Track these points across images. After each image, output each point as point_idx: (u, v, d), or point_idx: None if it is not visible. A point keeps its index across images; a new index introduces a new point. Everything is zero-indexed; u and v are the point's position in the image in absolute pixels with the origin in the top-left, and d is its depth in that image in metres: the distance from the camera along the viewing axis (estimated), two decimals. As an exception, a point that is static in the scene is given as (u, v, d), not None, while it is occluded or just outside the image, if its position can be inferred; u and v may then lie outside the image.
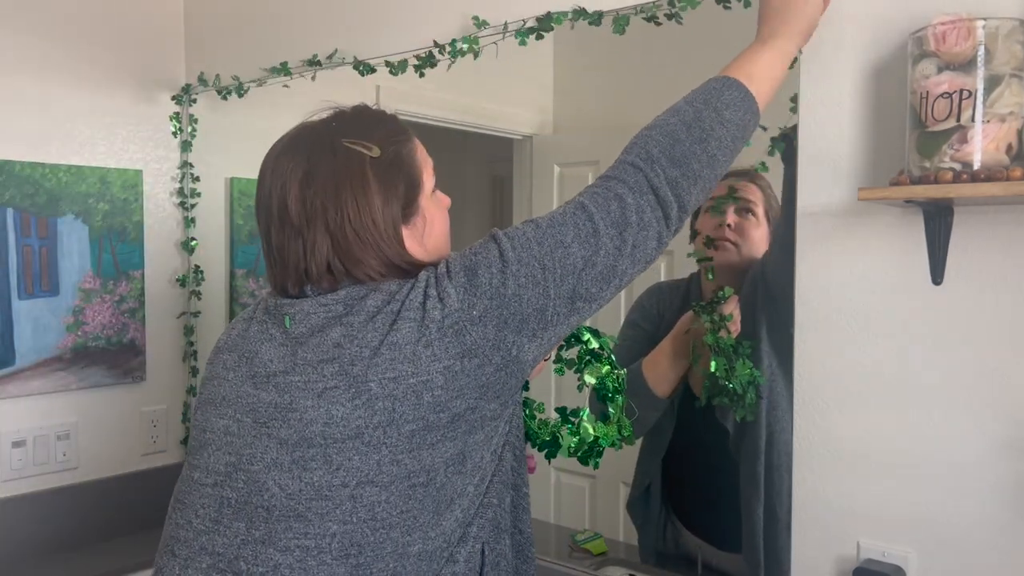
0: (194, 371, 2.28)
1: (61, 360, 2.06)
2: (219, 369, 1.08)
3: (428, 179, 1.07)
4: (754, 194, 1.47)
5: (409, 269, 1.02)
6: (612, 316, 1.73)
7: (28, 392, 2.01)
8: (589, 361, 1.27)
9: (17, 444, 2.00)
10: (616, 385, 1.27)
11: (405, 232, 1.03)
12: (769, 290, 1.43)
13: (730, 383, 1.40)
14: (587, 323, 1.22)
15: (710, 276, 1.52)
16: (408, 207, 1.03)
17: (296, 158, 1.02)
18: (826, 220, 1.28)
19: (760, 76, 1.13)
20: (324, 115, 1.07)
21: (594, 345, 1.26)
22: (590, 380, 1.26)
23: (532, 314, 0.97)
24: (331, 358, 0.96)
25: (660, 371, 1.57)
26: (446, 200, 1.13)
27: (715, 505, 1.52)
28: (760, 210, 1.47)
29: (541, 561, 1.57)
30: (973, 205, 1.16)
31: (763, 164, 1.35)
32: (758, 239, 1.47)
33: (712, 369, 1.42)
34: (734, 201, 1.46)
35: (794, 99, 1.29)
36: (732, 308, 1.45)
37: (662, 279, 1.73)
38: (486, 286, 0.96)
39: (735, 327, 1.44)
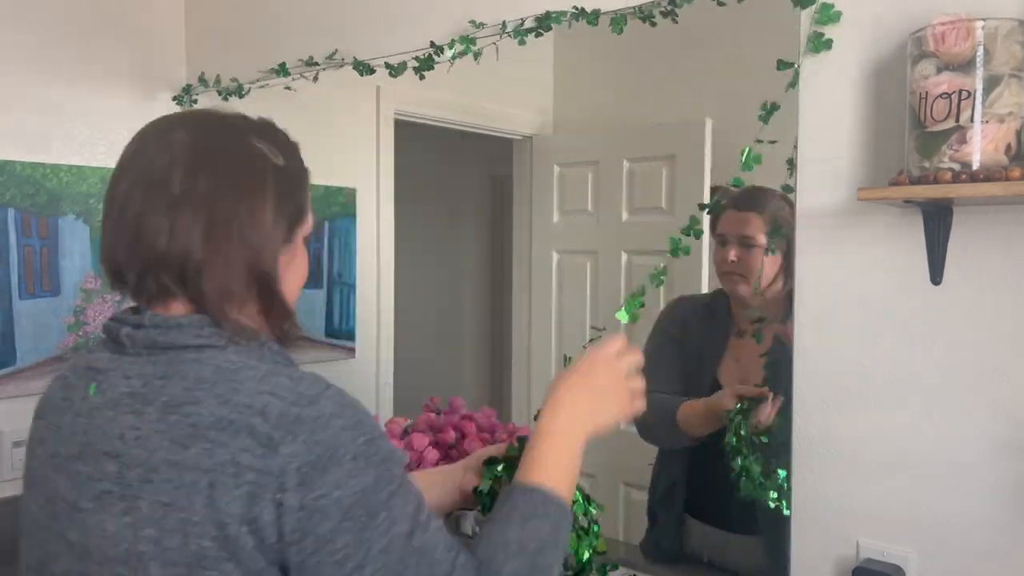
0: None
1: (62, 360, 2.06)
2: (33, 441, 0.94)
3: (310, 217, 0.97)
4: (753, 226, 1.51)
5: (267, 297, 0.89)
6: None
7: (29, 392, 2.01)
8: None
9: (18, 444, 2.00)
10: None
11: (280, 258, 0.91)
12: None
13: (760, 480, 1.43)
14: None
15: (758, 340, 1.53)
16: (289, 231, 0.92)
17: (195, 135, 0.89)
18: (826, 220, 1.28)
19: (571, 481, 0.98)
20: (228, 111, 0.96)
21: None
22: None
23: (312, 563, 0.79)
24: (112, 452, 0.83)
25: (694, 424, 1.59)
26: (306, 260, 0.99)
27: (730, 494, 1.52)
28: (761, 237, 1.51)
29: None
30: (972, 205, 1.16)
31: (788, 186, 1.32)
32: (768, 266, 1.51)
33: (741, 468, 1.44)
34: (742, 243, 1.52)
35: (802, 125, 1.29)
36: (767, 416, 1.44)
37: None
38: (314, 498, 0.78)
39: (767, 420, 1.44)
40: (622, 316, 1.42)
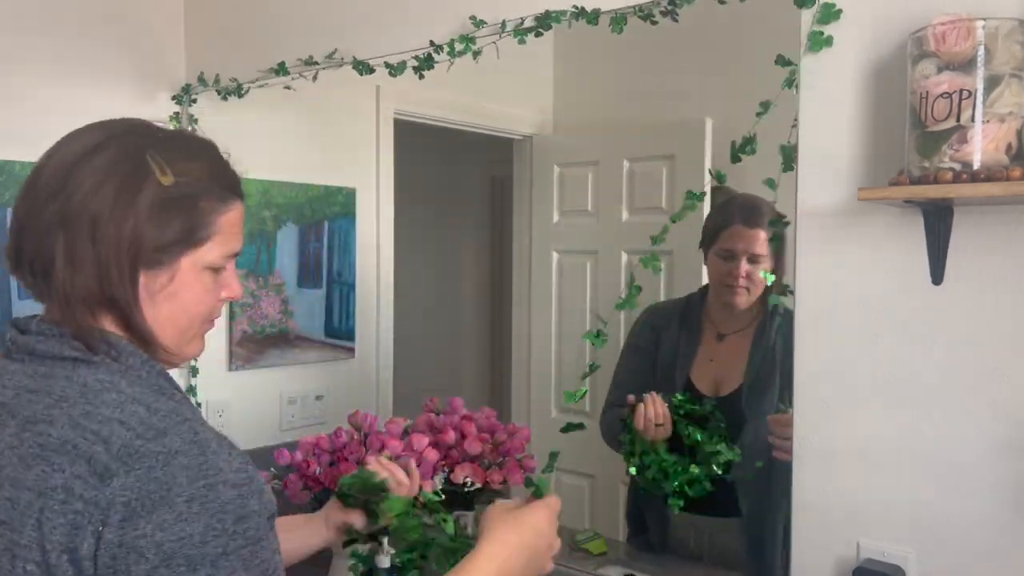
0: (194, 371, 2.28)
1: (61, 360, 2.06)
2: None
3: (213, 248, 0.88)
4: (761, 241, 1.60)
5: (121, 319, 0.84)
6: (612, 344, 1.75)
7: (28, 392, 2.02)
8: None
9: (17, 444, 2.00)
10: None
11: (142, 273, 0.85)
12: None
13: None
14: None
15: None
16: (162, 252, 0.85)
17: (97, 135, 0.90)
18: (826, 220, 1.28)
19: None
20: (169, 125, 0.95)
21: None
22: None
23: None
24: None
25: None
26: (229, 291, 0.92)
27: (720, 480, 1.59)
28: (764, 250, 1.60)
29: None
30: (973, 205, 1.15)
31: (771, 180, 1.33)
32: (764, 272, 1.61)
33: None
34: (750, 258, 1.60)
35: (803, 125, 1.29)
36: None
37: (661, 295, 1.77)
38: (133, 537, 0.73)
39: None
40: (589, 338, 1.55)
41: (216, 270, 0.89)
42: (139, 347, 0.85)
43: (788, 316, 1.47)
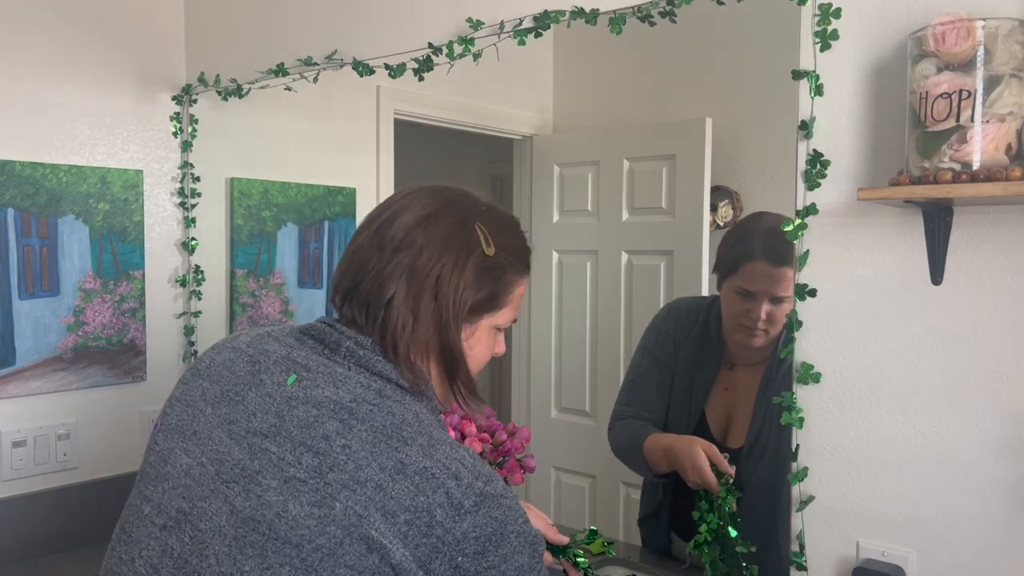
0: (194, 371, 2.28)
1: (61, 360, 2.06)
2: (196, 397, 1.00)
3: (505, 314, 1.05)
4: (787, 281, 1.34)
5: (449, 361, 1.00)
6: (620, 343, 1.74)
7: (28, 392, 2.02)
8: None
9: (18, 444, 2.00)
10: None
11: (463, 328, 1.01)
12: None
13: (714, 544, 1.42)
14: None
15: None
16: (474, 313, 1.01)
17: (433, 202, 1.02)
18: (826, 220, 1.28)
19: None
20: (483, 196, 1.07)
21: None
22: None
23: None
24: (314, 448, 0.90)
25: (655, 459, 1.54)
26: (499, 348, 1.09)
27: None
28: (790, 289, 1.33)
29: (541, 561, 1.57)
30: (973, 205, 1.16)
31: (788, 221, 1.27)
32: (787, 312, 1.35)
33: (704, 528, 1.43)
34: (772, 300, 1.43)
35: (804, 125, 1.29)
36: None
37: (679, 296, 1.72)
38: (486, 567, 0.88)
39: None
40: None
41: (498, 331, 1.06)
42: (449, 398, 1.03)
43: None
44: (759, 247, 1.48)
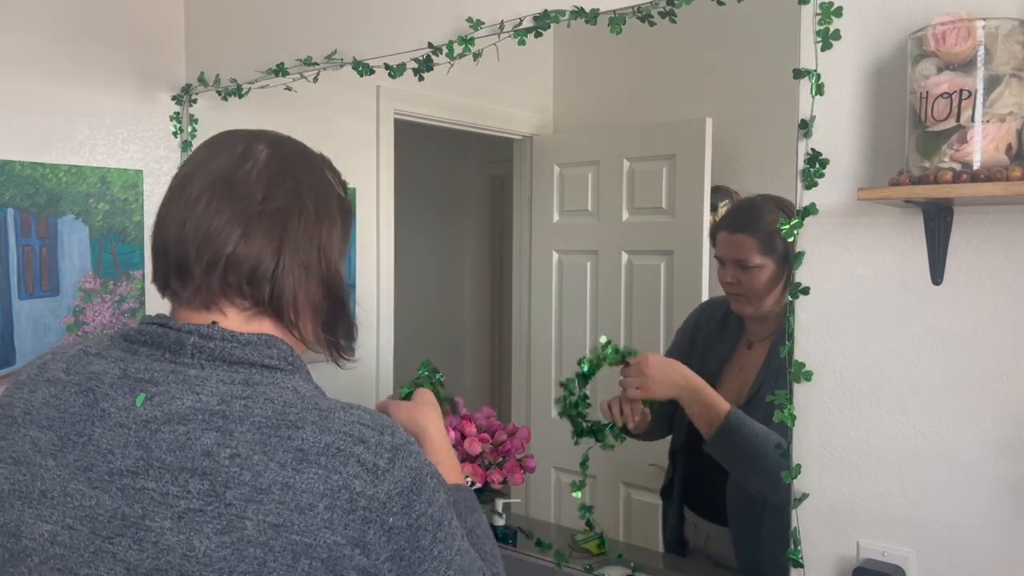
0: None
1: (61, 360, 2.06)
2: (26, 451, 0.86)
3: (345, 253, 0.99)
4: (744, 247, 1.49)
5: (336, 313, 0.94)
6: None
7: (28, 392, 2.02)
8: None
9: (17, 444, 2.00)
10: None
11: None
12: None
13: None
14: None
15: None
16: (341, 258, 0.96)
17: (277, 153, 0.92)
18: (826, 220, 1.28)
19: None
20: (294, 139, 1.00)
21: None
22: None
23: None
24: (198, 469, 0.79)
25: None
26: None
27: (720, 489, 1.57)
28: (756, 258, 1.48)
29: (541, 561, 1.57)
30: (973, 205, 1.16)
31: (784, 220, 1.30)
32: (766, 281, 1.48)
33: None
34: (738, 265, 1.51)
35: (803, 125, 1.29)
36: None
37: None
38: (415, 517, 0.84)
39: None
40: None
41: None
42: (326, 348, 0.97)
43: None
44: (724, 218, 1.60)
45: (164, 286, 0.92)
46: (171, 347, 0.87)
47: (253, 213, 0.87)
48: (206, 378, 0.84)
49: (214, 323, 0.88)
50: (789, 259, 1.38)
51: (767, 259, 1.47)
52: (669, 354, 1.71)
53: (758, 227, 1.48)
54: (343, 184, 0.98)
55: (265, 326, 0.91)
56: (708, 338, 1.64)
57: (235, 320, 0.89)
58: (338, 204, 0.95)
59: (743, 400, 1.54)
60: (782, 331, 1.44)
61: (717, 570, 1.61)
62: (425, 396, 1.23)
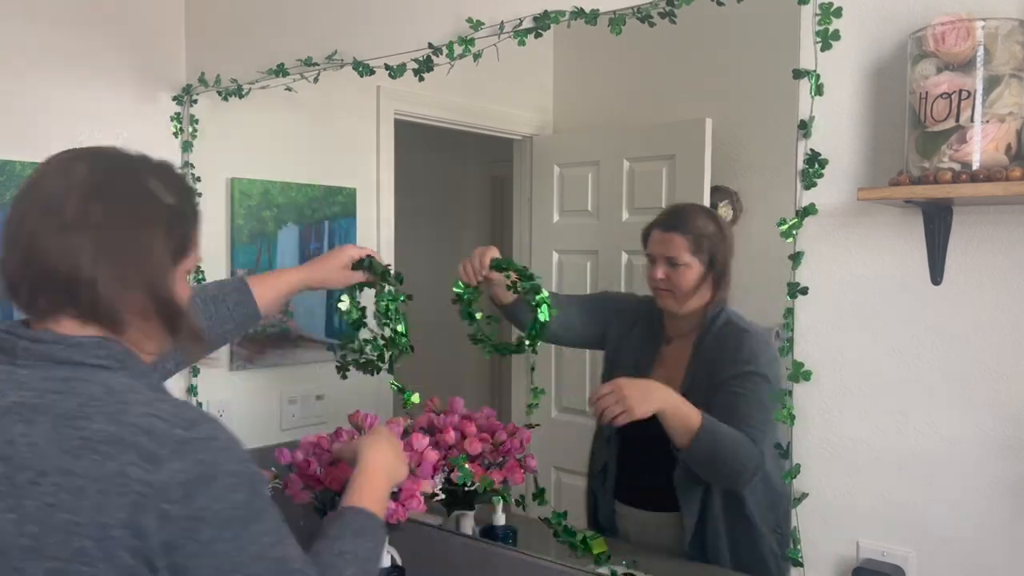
0: (195, 371, 2.28)
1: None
2: None
3: (194, 257, 1.05)
4: (676, 246, 1.61)
5: (170, 317, 0.99)
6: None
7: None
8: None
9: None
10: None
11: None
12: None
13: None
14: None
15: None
16: (173, 262, 1.00)
17: (94, 169, 0.98)
18: (825, 220, 1.28)
19: (383, 508, 1.20)
20: (136, 152, 1.03)
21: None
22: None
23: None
24: (3, 456, 0.89)
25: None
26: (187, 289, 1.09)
27: (653, 476, 1.64)
28: (686, 256, 1.60)
29: (541, 561, 1.57)
30: (972, 205, 1.16)
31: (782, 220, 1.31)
32: (692, 280, 1.61)
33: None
34: (668, 262, 1.62)
35: (803, 125, 1.29)
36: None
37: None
38: (197, 509, 0.87)
39: None
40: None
41: (188, 273, 1.05)
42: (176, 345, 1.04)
43: (727, 328, 1.60)
44: (657, 218, 1.69)
45: (10, 300, 0.99)
46: (9, 351, 0.95)
47: (69, 229, 0.93)
48: (32, 377, 0.93)
49: (47, 329, 0.96)
50: (714, 263, 1.58)
51: (695, 259, 1.61)
52: (583, 301, 1.83)
53: (689, 228, 1.61)
54: (181, 190, 1.03)
55: (103, 330, 0.97)
56: (626, 336, 1.75)
57: (70, 326, 0.96)
58: (162, 212, 0.99)
59: (678, 391, 1.60)
60: (702, 328, 1.61)
61: (671, 559, 1.63)
62: (380, 428, 1.34)
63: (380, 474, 1.22)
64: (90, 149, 1.02)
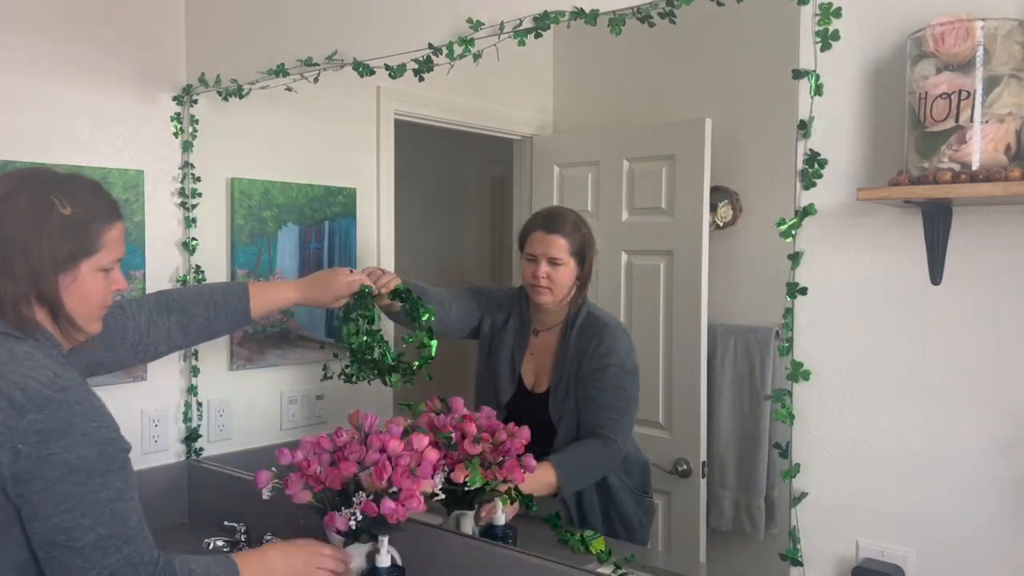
0: (195, 371, 2.28)
1: (62, 360, 2.07)
2: None
3: (104, 255, 1.27)
4: (558, 247, 1.79)
5: (51, 310, 1.23)
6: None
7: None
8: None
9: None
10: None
11: (61, 278, 1.23)
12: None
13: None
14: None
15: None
16: (69, 262, 1.23)
17: (10, 186, 1.23)
18: (825, 220, 1.28)
19: None
20: (58, 170, 1.30)
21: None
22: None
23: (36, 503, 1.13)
24: None
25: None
26: (119, 284, 1.33)
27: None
28: (565, 256, 1.79)
29: (541, 561, 1.57)
30: (972, 205, 1.16)
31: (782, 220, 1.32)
32: (569, 278, 1.80)
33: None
34: (550, 261, 1.79)
35: (802, 125, 1.29)
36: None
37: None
38: (47, 453, 1.11)
39: None
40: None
41: (107, 271, 1.29)
42: (58, 331, 1.25)
43: (589, 321, 1.78)
44: (539, 219, 1.85)
45: None
46: None
47: None
48: None
49: None
50: (584, 262, 1.79)
51: (572, 259, 1.80)
52: (458, 295, 1.94)
53: (569, 231, 1.80)
54: (83, 200, 1.26)
55: (37, 313, 1.24)
56: (499, 329, 1.91)
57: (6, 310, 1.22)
58: (55, 221, 1.22)
59: (550, 385, 1.82)
60: (566, 321, 1.81)
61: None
62: (304, 548, 1.48)
63: (273, 570, 1.41)
64: (22, 170, 1.30)
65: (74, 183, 1.28)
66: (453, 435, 1.63)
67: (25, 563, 1.16)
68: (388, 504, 1.45)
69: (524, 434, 1.67)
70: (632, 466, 1.78)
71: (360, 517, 1.47)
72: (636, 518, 1.77)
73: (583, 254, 1.79)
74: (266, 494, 1.56)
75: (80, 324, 1.26)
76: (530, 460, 1.65)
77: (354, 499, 1.48)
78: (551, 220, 1.82)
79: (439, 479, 1.56)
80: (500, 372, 1.89)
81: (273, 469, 1.57)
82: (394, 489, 1.47)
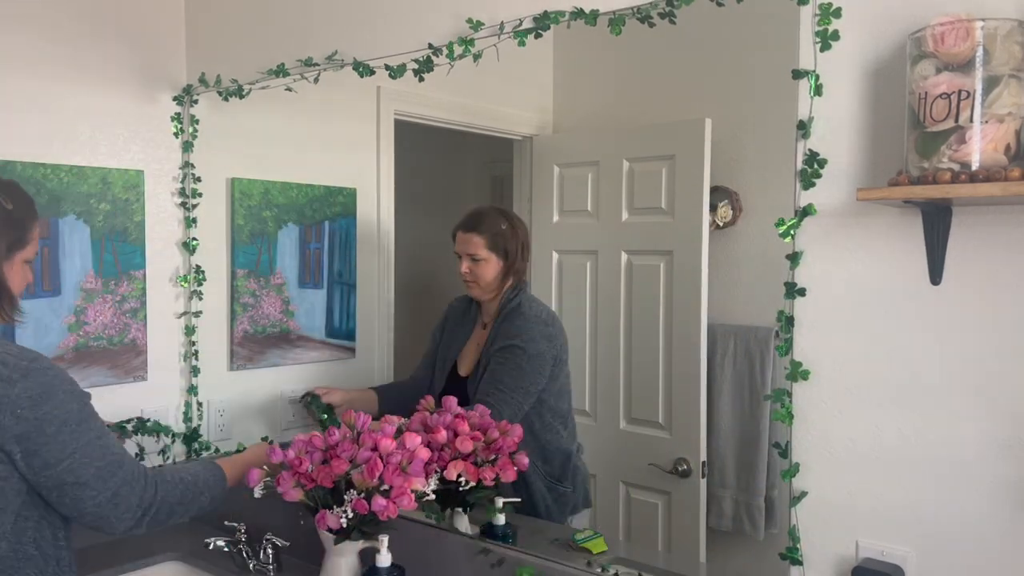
0: (195, 371, 2.28)
1: (63, 360, 2.07)
2: None
3: (30, 249, 1.46)
4: (475, 244, 1.91)
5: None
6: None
7: (30, 392, 2.02)
8: None
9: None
10: None
11: (5, 266, 1.42)
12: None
13: None
14: None
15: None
16: (10, 252, 1.42)
17: None
18: (825, 220, 1.28)
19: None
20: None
21: None
22: None
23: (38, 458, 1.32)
24: None
25: None
26: (31, 277, 1.51)
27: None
28: (483, 252, 1.91)
29: (541, 561, 1.57)
30: (972, 205, 1.16)
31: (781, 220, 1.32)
32: (492, 272, 1.92)
33: None
34: (471, 258, 1.93)
35: (802, 125, 1.29)
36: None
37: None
38: (42, 413, 1.31)
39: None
40: None
41: (29, 263, 1.47)
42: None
43: (513, 311, 1.88)
44: (462, 219, 1.97)
45: None
46: None
47: None
48: None
49: None
50: (509, 256, 1.90)
51: (492, 254, 1.92)
52: (425, 355, 2.10)
53: (484, 228, 1.92)
54: (20, 200, 1.45)
55: None
56: (454, 326, 2.05)
57: None
58: (2, 216, 1.41)
59: (471, 370, 1.94)
60: (502, 314, 1.90)
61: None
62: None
63: (245, 460, 1.61)
64: None
65: (9, 184, 1.49)
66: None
67: (22, 506, 1.36)
68: (379, 501, 1.45)
69: (517, 432, 1.67)
70: (552, 455, 1.85)
71: (351, 514, 1.47)
72: (543, 503, 1.83)
73: (505, 249, 1.90)
74: (258, 492, 1.57)
75: (11, 309, 1.46)
76: (523, 458, 1.65)
77: (345, 497, 1.48)
78: (469, 219, 1.94)
79: (432, 481, 1.56)
80: (440, 365, 2.03)
81: (264, 467, 1.57)
82: (385, 487, 1.47)
